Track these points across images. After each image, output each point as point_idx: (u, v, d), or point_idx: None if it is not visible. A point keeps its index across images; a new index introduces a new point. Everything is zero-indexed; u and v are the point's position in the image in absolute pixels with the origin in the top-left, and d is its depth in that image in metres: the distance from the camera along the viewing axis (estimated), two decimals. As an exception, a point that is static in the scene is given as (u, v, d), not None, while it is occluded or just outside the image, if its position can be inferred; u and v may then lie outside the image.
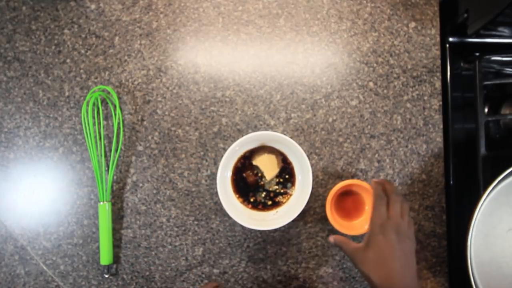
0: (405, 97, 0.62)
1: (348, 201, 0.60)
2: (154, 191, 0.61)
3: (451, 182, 0.61)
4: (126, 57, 0.62)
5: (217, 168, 0.56)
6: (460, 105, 0.62)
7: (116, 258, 0.61)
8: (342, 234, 0.56)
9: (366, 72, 0.62)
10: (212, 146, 0.61)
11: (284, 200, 0.59)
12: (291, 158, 0.58)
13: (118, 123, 0.60)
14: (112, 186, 0.61)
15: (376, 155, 0.61)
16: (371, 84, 0.62)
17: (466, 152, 0.61)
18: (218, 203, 0.61)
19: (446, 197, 0.61)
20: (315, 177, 0.61)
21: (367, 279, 0.47)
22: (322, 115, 0.61)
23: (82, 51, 0.62)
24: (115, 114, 0.60)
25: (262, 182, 0.59)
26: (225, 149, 0.61)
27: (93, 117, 0.60)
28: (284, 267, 0.61)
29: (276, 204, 0.59)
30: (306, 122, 0.61)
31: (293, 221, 0.56)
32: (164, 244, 0.61)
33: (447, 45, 0.62)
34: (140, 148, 0.61)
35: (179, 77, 0.61)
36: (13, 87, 0.62)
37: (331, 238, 0.53)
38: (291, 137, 0.57)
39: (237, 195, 0.59)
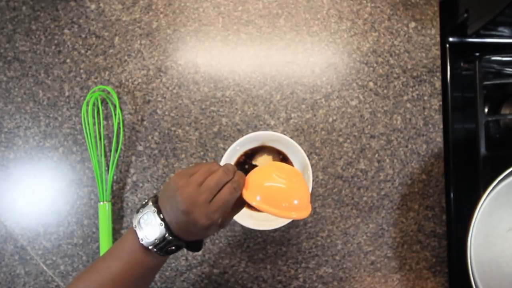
0: (405, 97, 0.62)
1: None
2: (154, 191, 0.61)
3: (451, 182, 0.61)
4: (126, 57, 0.62)
5: (217, 168, 0.56)
6: (460, 105, 0.62)
7: (116, 258, 0.61)
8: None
9: (366, 72, 0.62)
10: (212, 146, 0.61)
11: (284, 200, 0.59)
12: (291, 158, 0.58)
13: (118, 123, 0.60)
14: (112, 186, 0.61)
15: (376, 155, 0.61)
16: (371, 84, 0.62)
17: (466, 152, 0.61)
18: (218, 203, 0.61)
19: (446, 197, 0.61)
20: (315, 177, 0.61)
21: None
22: (322, 115, 0.61)
23: (82, 51, 0.62)
24: (115, 114, 0.60)
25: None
26: (225, 149, 0.61)
27: (93, 117, 0.60)
28: (284, 267, 0.61)
29: (276, 204, 0.59)
30: (306, 122, 0.61)
31: (293, 221, 0.56)
32: (164, 244, 0.61)
33: (447, 45, 0.62)
34: (140, 148, 0.61)
35: (179, 77, 0.61)
36: (13, 87, 0.62)
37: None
38: (291, 137, 0.57)
39: (237, 195, 0.59)
